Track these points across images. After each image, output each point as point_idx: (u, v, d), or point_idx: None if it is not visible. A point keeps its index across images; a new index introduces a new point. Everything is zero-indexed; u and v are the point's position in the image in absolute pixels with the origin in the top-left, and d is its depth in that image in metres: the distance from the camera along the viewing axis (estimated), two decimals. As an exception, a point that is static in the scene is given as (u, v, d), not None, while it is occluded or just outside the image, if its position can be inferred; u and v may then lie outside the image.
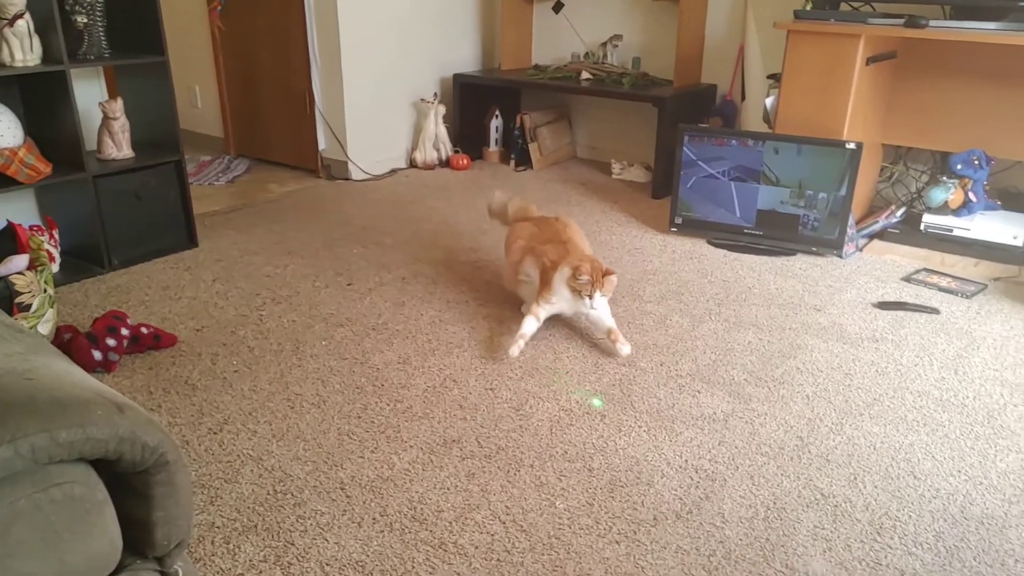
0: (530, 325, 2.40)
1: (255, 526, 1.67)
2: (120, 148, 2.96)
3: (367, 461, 1.89)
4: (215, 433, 1.99)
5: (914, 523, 1.70)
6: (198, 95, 4.63)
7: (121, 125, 2.95)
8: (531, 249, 2.53)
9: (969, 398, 2.18)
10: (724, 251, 3.23)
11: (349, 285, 2.86)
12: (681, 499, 1.77)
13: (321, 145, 4.14)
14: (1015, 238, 3.06)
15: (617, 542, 1.64)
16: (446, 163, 4.43)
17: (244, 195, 3.90)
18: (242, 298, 2.74)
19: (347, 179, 4.14)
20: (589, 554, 1.60)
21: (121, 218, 2.93)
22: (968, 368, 2.34)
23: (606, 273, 2.32)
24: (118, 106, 2.93)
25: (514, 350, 2.31)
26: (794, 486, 1.81)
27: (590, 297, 2.31)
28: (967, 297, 2.81)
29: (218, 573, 1.55)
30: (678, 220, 3.37)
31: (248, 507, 1.73)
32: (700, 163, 3.27)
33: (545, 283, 2.41)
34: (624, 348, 2.36)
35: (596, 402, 2.11)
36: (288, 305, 2.69)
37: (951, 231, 3.19)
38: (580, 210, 3.71)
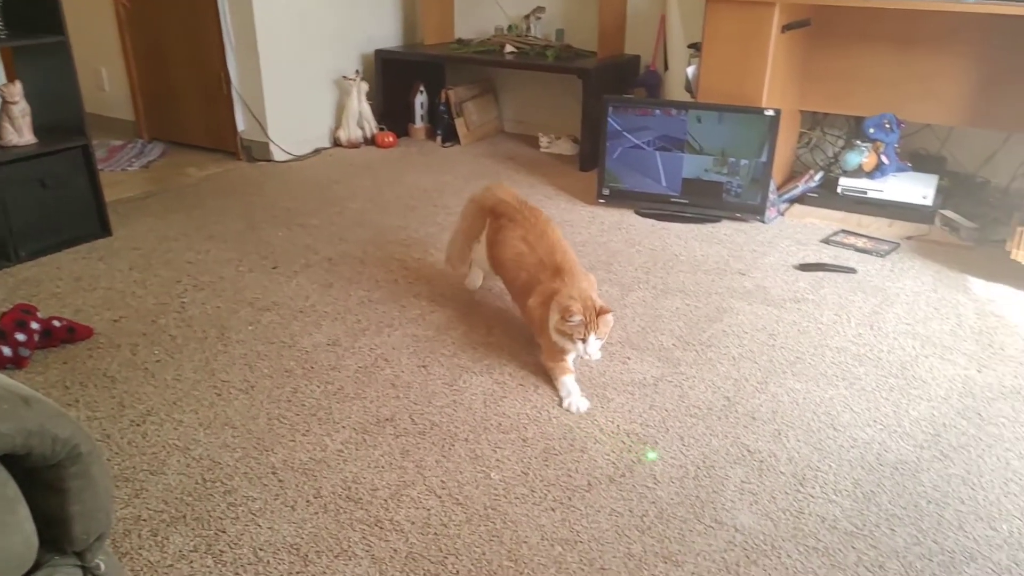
0: (570, 380, 2.07)
1: (183, 516, 1.63)
2: (21, 134, 2.80)
3: (299, 444, 1.86)
4: (138, 425, 1.92)
5: (834, 472, 1.77)
6: (105, 77, 4.42)
7: (21, 110, 2.79)
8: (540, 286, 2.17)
9: (884, 352, 2.27)
10: (651, 220, 3.27)
11: (274, 268, 2.79)
12: (614, 464, 1.80)
13: (240, 126, 4.01)
14: (924, 198, 3.19)
15: (552, 509, 1.66)
16: (371, 141, 4.35)
17: (160, 180, 3.75)
18: (162, 286, 2.65)
19: (269, 160, 4.02)
20: (525, 522, 1.62)
21: (26, 208, 2.79)
22: (883, 324, 2.43)
23: (600, 312, 1.99)
24: (17, 89, 2.77)
25: (581, 404, 2.00)
26: (722, 444, 1.86)
27: (583, 341, 1.99)
28: (881, 256, 2.92)
29: (147, 566, 1.51)
30: (606, 191, 3.39)
31: (176, 498, 1.68)
32: (625, 134, 3.29)
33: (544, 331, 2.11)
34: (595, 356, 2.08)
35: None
36: (211, 291, 2.62)
37: (866, 193, 3.30)
38: (509, 184, 3.69)
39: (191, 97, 4.13)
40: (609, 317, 2.01)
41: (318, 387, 2.09)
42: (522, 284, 2.24)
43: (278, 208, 3.39)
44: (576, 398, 2.02)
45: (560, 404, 2.01)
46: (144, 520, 1.62)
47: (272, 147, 4.01)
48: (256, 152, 4.04)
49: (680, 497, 1.69)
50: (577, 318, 1.97)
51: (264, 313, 2.47)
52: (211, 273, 2.75)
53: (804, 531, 1.60)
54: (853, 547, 1.56)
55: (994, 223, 3.06)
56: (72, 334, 2.26)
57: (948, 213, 3.14)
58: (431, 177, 3.82)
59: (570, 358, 2.10)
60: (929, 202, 3.19)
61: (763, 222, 3.23)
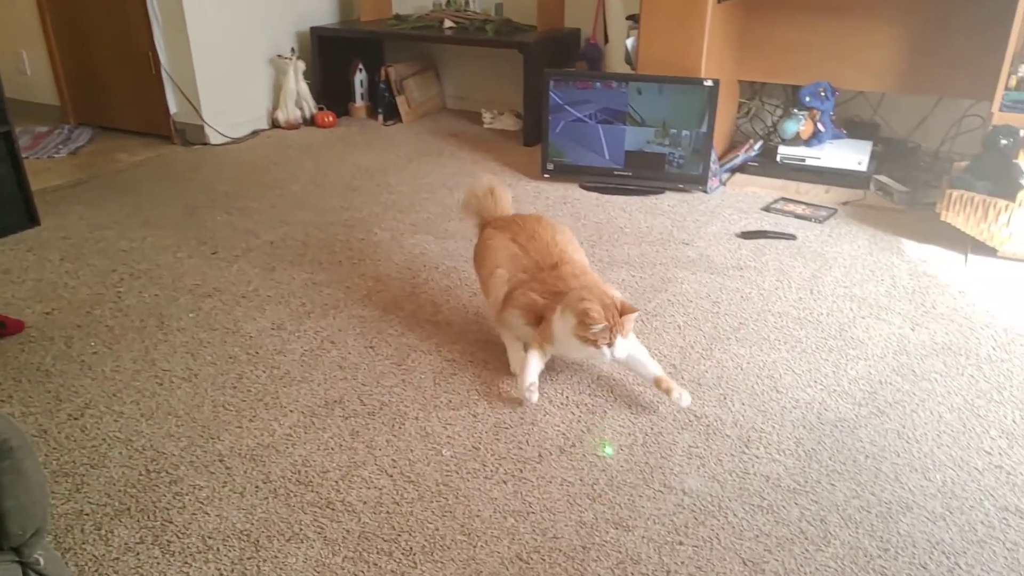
0: (535, 365, 1.90)
1: (128, 509, 1.59)
2: (-63, 121, 2.67)
3: (245, 430, 1.83)
4: (76, 419, 1.86)
5: (777, 433, 1.82)
6: (26, 61, 4.23)
7: (-64, 95, 2.66)
8: (518, 291, 1.99)
9: (823, 315, 2.33)
10: (596, 194, 3.29)
11: (214, 254, 2.72)
12: (564, 434, 1.81)
13: (172, 109, 3.88)
14: (859, 164, 3.27)
15: (504, 482, 1.66)
16: (311, 121, 4.27)
17: (90, 167, 3.62)
18: (96, 276, 2.56)
19: (205, 144, 3.91)
20: (477, 496, 1.62)
21: (-53, 198, 2.67)
22: (822, 287, 2.49)
23: (623, 311, 1.79)
24: (-71, 74, 2.64)
25: (531, 396, 1.86)
26: (669, 411, 1.89)
27: (610, 346, 1.80)
28: (820, 222, 2.99)
29: (91, 560, 1.47)
30: (550, 166, 3.39)
31: (119, 490, 1.64)
32: (567, 107, 3.29)
33: (544, 332, 1.91)
34: (683, 399, 1.84)
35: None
36: (148, 279, 2.54)
37: (804, 161, 3.37)
38: (453, 162, 3.68)
39: (119, 79, 3.98)
40: (632, 316, 1.82)
41: (264, 372, 2.05)
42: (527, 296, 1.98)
43: (216, 192, 3.31)
44: (534, 389, 1.86)
45: (517, 388, 1.91)
46: (87, 514, 1.58)
47: (207, 130, 3.90)
48: (191, 135, 3.93)
49: (630, 464, 1.71)
50: (600, 325, 1.74)
51: (205, 300, 2.41)
52: (147, 261, 2.67)
53: (749, 491, 1.64)
54: (796, 503, 1.61)
55: (925, 186, 3.16)
56: (2, 328, 2.18)
57: (882, 178, 3.22)
58: (373, 156, 3.77)
59: (548, 351, 1.93)
60: (864, 168, 3.27)
61: (705, 192, 3.28)
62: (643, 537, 1.52)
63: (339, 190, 3.33)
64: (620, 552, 1.48)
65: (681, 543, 1.51)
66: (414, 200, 3.21)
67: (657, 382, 1.88)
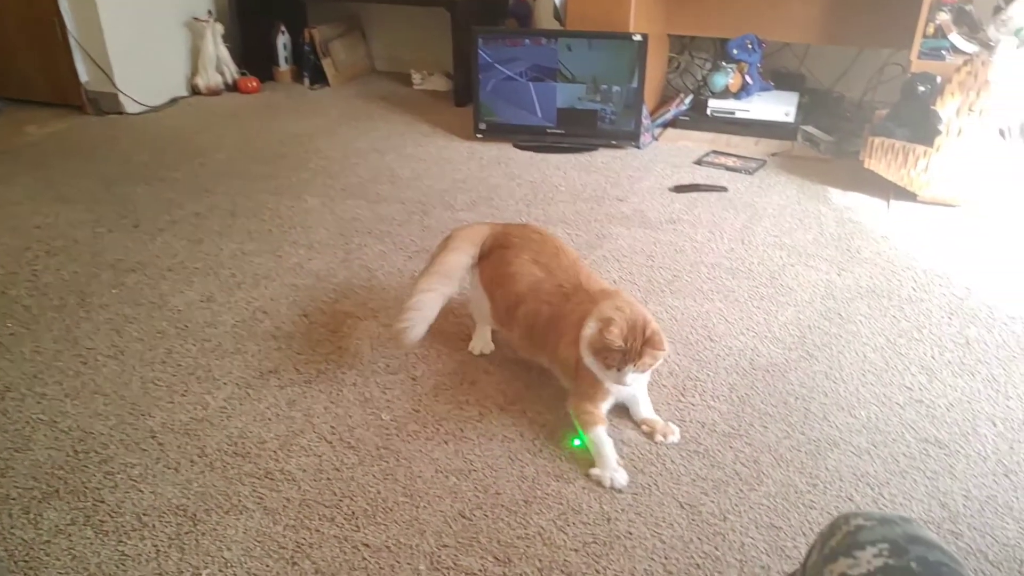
0: (604, 437, 1.61)
1: (56, 491, 1.54)
2: None
3: (178, 405, 1.78)
4: (-5, 403, 1.79)
5: (711, 380, 1.86)
6: (-78, 29, 3.95)
7: None
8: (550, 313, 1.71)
9: (755, 264, 2.38)
10: (530, 153, 3.27)
11: (136, 227, 2.62)
12: (504, 393, 1.82)
13: (83, 77, 3.69)
14: (787, 115, 3.33)
15: (445, 442, 1.66)
16: (233, 87, 4.11)
17: (-1, 140, 3.43)
18: (8, 255, 2.44)
19: (120, 113, 3.73)
20: (419, 458, 1.62)
21: None
22: (752, 237, 2.54)
23: (647, 342, 1.53)
24: None
25: (619, 477, 1.55)
26: (607, 364, 1.91)
27: (618, 370, 1.55)
28: (750, 173, 3.04)
29: (21, 544, 1.42)
30: (482, 126, 3.35)
31: (46, 473, 1.59)
32: (497, 66, 3.25)
33: (581, 374, 1.64)
34: (671, 438, 1.67)
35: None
36: (66, 256, 2.43)
37: (733, 113, 3.41)
38: (384, 124, 3.60)
39: (22, 47, 3.74)
40: (660, 354, 1.55)
41: (194, 346, 2.00)
42: (545, 322, 1.72)
43: (135, 163, 3.17)
44: (612, 468, 1.55)
45: (591, 477, 1.57)
46: (13, 499, 1.52)
47: (122, 98, 3.72)
48: (104, 104, 3.74)
49: (569, 419, 1.73)
50: (616, 336, 1.51)
51: (128, 275, 2.33)
52: (64, 237, 2.55)
53: (686, 437, 1.68)
54: (730, 447, 1.65)
55: (849, 135, 3.23)
56: (-91, 313, 2.06)
57: (808, 128, 3.28)
58: (301, 122, 3.66)
59: (604, 404, 1.65)
60: (791, 119, 3.32)
61: (638, 148, 3.29)
62: (583, 488, 1.54)
63: (266, 157, 3.23)
64: (562, 504, 1.50)
65: (621, 491, 1.53)
66: (345, 165, 3.14)
67: (642, 423, 1.71)
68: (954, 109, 2.55)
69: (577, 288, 1.71)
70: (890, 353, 1.96)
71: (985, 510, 1.49)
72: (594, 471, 1.56)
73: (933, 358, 1.94)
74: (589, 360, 1.58)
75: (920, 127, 2.64)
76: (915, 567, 0.66)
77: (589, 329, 1.56)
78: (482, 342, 1.97)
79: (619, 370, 1.54)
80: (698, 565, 1.38)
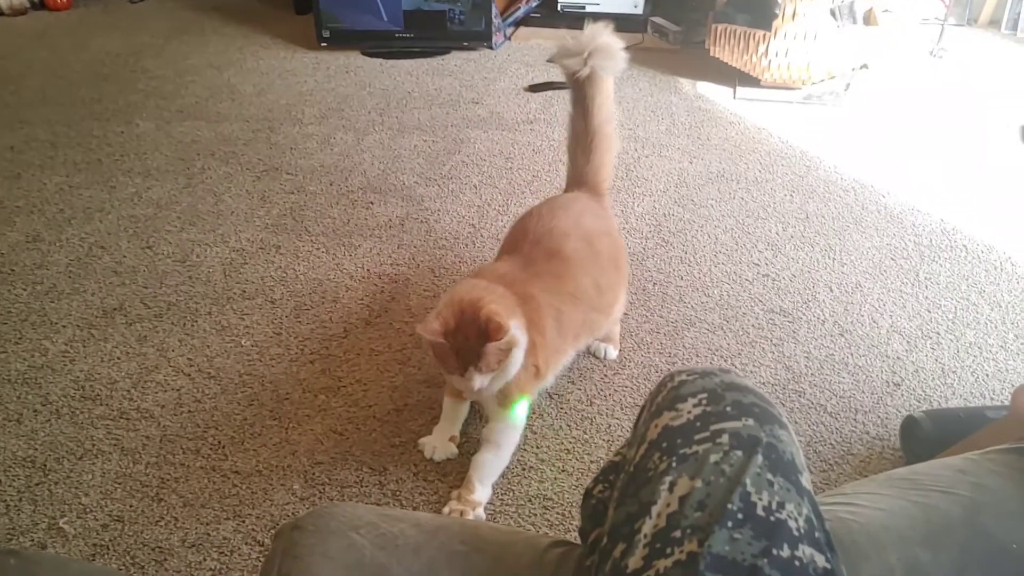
0: (450, 407, 1.43)
1: None
2: None
3: (12, 354, 1.64)
4: None
5: (573, 273, 1.89)
6: None
7: None
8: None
9: (610, 158, 2.41)
10: (379, 59, 3.13)
11: (-59, 166, 2.35)
12: (368, 307, 1.79)
13: None
14: (636, 7, 3.33)
15: (311, 361, 1.63)
16: (40, 5, 3.68)
17: None
18: None
19: (-92, 39, 3.29)
20: (284, 379, 1.58)
21: None
22: (607, 132, 2.56)
23: (486, 329, 1.18)
24: None
25: (438, 454, 1.39)
26: (471, 269, 1.91)
27: (460, 374, 1.24)
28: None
29: None
30: (326, 34, 3.17)
31: None
32: (336, -32, 3.06)
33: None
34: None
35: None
36: None
37: (584, 8, 3.38)
38: (219, 38, 3.34)
39: None
40: (493, 346, 1.19)
41: (24, 290, 1.84)
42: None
43: (-68, 95, 2.82)
44: (439, 440, 1.40)
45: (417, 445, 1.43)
46: None
47: (-93, 22, 3.27)
48: None
49: (436, 324, 1.72)
50: (432, 324, 1.19)
51: (-62, 219, 2.09)
52: None
53: (552, 331, 1.71)
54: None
55: (696, 25, 3.27)
56: None
57: (657, 20, 3.31)
58: (123, 39, 3.34)
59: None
60: (640, 11, 3.33)
61: (491, 48, 3.22)
62: (454, 390, 1.55)
63: (87, 80, 2.94)
64: (434, 408, 1.51)
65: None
66: (178, 84, 2.90)
67: None
68: (789, -8, 2.62)
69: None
70: (739, 233, 2.05)
71: (824, 368, 1.62)
72: (424, 438, 1.41)
73: (777, 234, 2.05)
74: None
75: (759, 12, 2.70)
76: (730, 411, 0.70)
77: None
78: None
79: (462, 374, 1.23)
80: (568, 450, 1.43)
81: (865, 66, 2.89)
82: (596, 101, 1.52)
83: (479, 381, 1.22)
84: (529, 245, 1.39)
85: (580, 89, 1.52)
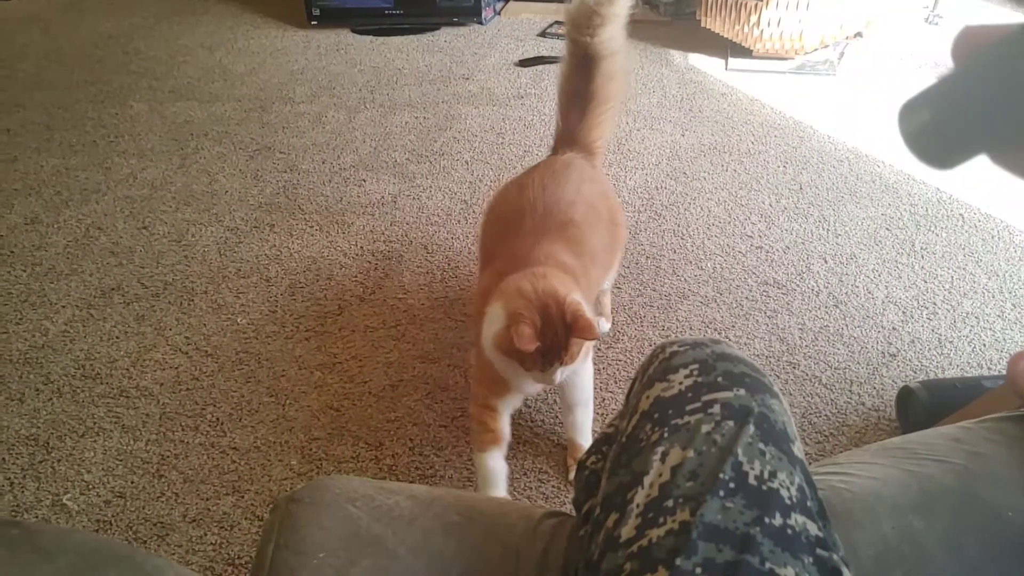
0: (492, 467, 1.28)
1: None
2: None
3: (13, 334, 1.67)
4: None
5: (566, 248, 1.90)
6: None
7: None
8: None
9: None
10: (370, 37, 3.12)
11: (-64, 151, 2.35)
12: (362, 284, 1.80)
13: None
14: (627, -20, 3.30)
15: (306, 339, 1.64)
16: (31, -14, 3.67)
17: None
18: None
19: (-102, 23, 3.28)
20: (280, 357, 1.60)
21: None
22: (600, 106, 2.56)
23: (576, 325, 1.11)
24: None
25: None
26: (463, 246, 1.92)
27: (541, 370, 1.15)
28: (595, 43, 3.03)
29: None
30: (316, 12, 3.16)
31: None
32: (325, -56, 3.03)
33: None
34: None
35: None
36: None
37: (575, -18, 3.35)
38: (209, 18, 3.33)
39: None
40: (580, 339, 1.13)
41: (24, 271, 1.85)
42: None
43: (-76, 80, 2.81)
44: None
45: None
46: None
47: None
48: None
49: (430, 301, 1.74)
50: (527, 333, 1.06)
51: (-66, 204, 2.10)
52: None
53: (545, 305, 1.72)
54: (587, 309, 1.72)
55: (688, -3, 3.26)
56: None
57: (649, -7, 3.29)
58: (115, 20, 3.32)
59: (506, 404, 1.29)
60: (632, -16, 3.30)
61: (481, 23, 3.20)
62: (448, 365, 1.57)
63: (80, 62, 2.93)
64: (428, 383, 1.53)
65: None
66: (171, 65, 2.90)
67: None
68: (781, -38, 2.60)
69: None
70: (732, 205, 2.06)
71: (819, 339, 1.63)
72: None
73: (770, 206, 2.06)
74: (496, 359, 1.18)
75: (751, -17, 2.69)
76: (721, 381, 0.71)
77: (493, 321, 1.15)
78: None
79: (543, 370, 1.14)
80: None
81: (859, 34, 2.88)
82: (610, 47, 1.47)
83: (561, 374, 1.17)
84: (541, 217, 1.32)
85: (593, 34, 1.46)
